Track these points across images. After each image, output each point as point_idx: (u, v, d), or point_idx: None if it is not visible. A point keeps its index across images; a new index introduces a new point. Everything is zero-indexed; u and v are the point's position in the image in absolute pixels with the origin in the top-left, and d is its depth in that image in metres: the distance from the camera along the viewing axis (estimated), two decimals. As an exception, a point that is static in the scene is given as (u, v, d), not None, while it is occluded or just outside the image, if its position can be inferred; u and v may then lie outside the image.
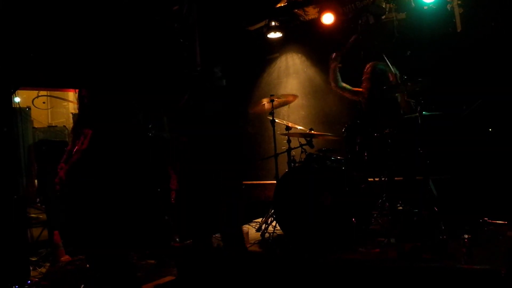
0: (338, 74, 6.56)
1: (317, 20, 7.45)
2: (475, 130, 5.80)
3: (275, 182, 6.21)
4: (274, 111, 6.50)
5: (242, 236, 5.55)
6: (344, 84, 6.55)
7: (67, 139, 7.19)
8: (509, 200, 5.47)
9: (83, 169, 4.64)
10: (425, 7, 6.47)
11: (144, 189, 4.91)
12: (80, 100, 5.56)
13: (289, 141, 6.42)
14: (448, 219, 4.89)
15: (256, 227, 6.44)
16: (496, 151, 5.72)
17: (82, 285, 5.25)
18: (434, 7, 6.41)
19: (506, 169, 5.71)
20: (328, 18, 7.15)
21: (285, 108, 8.27)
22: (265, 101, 6.52)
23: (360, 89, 6.35)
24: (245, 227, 6.47)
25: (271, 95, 6.51)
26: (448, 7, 6.37)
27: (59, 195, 4.97)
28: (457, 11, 6.33)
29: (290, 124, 6.49)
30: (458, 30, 6.33)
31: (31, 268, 6.07)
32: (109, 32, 6.89)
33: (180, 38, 7.75)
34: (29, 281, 5.65)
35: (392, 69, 5.85)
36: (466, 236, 4.15)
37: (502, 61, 5.96)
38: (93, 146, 4.56)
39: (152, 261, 6.48)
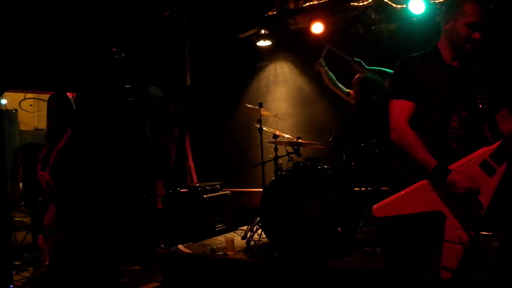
0: (330, 74, 6.58)
1: (307, 29, 7.46)
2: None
3: (261, 190, 6.20)
4: (262, 119, 6.51)
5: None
6: (339, 85, 6.59)
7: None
8: (494, 211, 5.48)
9: (65, 171, 4.63)
10: (415, 19, 6.50)
11: (129, 194, 4.90)
12: (49, 112, 5.57)
13: (276, 149, 6.41)
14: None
15: (242, 235, 6.42)
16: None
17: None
18: (424, 19, 6.44)
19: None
20: (318, 28, 7.15)
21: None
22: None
23: (352, 91, 6.33)
24: (231, 235, 6.45)
25: (260, 103, 6.54)
26: (437, 19, 6.38)
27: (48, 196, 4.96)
28: (446, 23, 6.37)
29: (277, 133, 6.48)
30: (447, 42, 6.37)
31: (14, 272, 6.02)
32: (99, 36, 6.89)
33: (171, 43, 7.76)
34: (11, 286, 5.60)
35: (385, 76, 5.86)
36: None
37: (489, 72, 6.00)
38: (71, 145, 4.56)
39: (138, 267, 6.46)
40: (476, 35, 2.99)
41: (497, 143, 2.81)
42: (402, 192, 2.85)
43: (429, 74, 3.01)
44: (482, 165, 2.77)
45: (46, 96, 7.09)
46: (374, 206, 2.87)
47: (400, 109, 2.94)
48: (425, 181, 2.83)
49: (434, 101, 2.94)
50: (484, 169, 2.77)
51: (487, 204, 2.78)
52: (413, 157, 2.84)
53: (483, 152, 2.80)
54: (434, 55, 3.16)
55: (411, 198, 2.82)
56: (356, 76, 6.18)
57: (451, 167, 2.79)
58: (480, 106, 2.94)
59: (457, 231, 2.79)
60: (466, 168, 2.78)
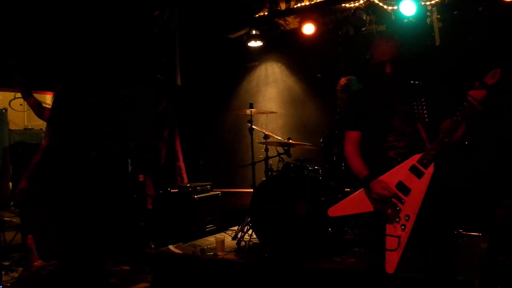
0: None
1: (297, 30, 7.48)
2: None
3: (252, 190, 6.21)
4: (252, 119, 6.52)
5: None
6: None
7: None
8: (483, 212, 5.52)
9: (48, 171, 4.60)
10: (405, 20, 6.53)
11: (117, 195, 4.88)
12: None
13: (266, 150, 6.41)
14: (423, 230, 4.92)
15: (232, 235, 6.43)
16: (470, 163, 5.78)
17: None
18: (414, 21, 6.47)
19: (481, 180, 5.77)
20: (308, 28, 7.18)
21: (263, 116, 8.29)
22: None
23: None
24: (221, 235, 6.45)
25: (250, 104, 6.55)
26: (428, 21, 6.45)
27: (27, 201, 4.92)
28: (436, 25, 6.41)
29: (268, 133, 6.49)
30: (437, 44, 6.41)
31: (3, 273, 5.98)
32: (89, 35, 6.87)
33: (160, 43, 7.74)
34: (1, 286, 5.57)
35: None
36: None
37: (478, 75, 6.04)
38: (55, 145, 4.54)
39: (127, 267, 6.44)
40: (388, 69, 3.39)
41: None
42: (349, 196, 3.47)
43: (370, 103, 3.51)
44: (411, 169, 3.23)
45: (36, 96, 7.07)
46: (329, 208, 3.49)
47: (348, 139, 3.57)
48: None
49: (373, 123, 3.46)
50: (413, 173, 3.21)
51: (419, 204, 3.15)
52: (354, 173, 3.44)
53: (412, 158, 3.24)
54: (376, 81, 3.57)
55: (356, 201, 3.39)
56: (343, 79, 6.19)
57: (387, 174, 3.30)
58: (418, 119, 3.32)
59: (394, 227, 3.19)
60: (395, 173, 3.27)
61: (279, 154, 6.48)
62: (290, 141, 6.21)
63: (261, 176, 6.48)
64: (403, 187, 3.22)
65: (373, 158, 3.42)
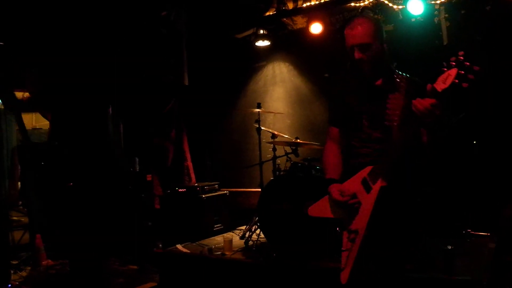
0: None
1: (305, 30, 7.49)
2: (459, 143, 5.84)
3: (259, 190, 6.21)
4: (260, 118, 6.53)
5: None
6: None
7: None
8: (491, 212, 5.51)
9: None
10: (413, 20, 6.51)
11: (121, 194, 4.89)
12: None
13: (274, 150, 6.42)
14: (432, 229, 4.92)
15: (240, 235, 6.43)
16: (480, 164, 5.77)
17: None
18: (422, 20, 6.45)
19: (489, 181, 5.75)
20: (316, 28, 7.18)
21: (271, 116, 8.29)
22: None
23: None
24: (229, 235, 6.45)
25: (258, 104, 6.56)
26: (435, 20, 6.43)
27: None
28: (444, 24, 6.38)
29: (276, 133, 6.50)
30: (445, 43, 6.38)
31: (11, 272, 6.01)
32: (96, 35, 6.88)
33: (167, 43, 7.75)
34: (9, 285, 5.59)
35: None
36: (449, 247, 4.17)
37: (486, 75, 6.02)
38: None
39: (134, 267, 6.46)
40: (356, 55, 3.01)
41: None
42: (322, 199, 3.19)
43: (348, 101, 3.18)
44: (362, 182, 2.93)
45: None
46: (309, 208, 3.27)
47: (328, 134, 3.32)
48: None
49: (345, 123, 3.19)
50: (363, 186, 2.92)
51: (366, 219, 2.83)
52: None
53: (365, 169, 2.95)
54: (359, 76, 3.16)
55: (323, 205, 3.15)
56: None
57: (346, 182, 3.03)
58: (388, 121, 2.90)
59: (346, 241, 2.97)
60: (352, 183, 2.99)
61: (286, 154, 6.47)
62: (298, 140, 6.20)
63: (268, 176, 6.48)
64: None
65: (345, 161, 3.17)
